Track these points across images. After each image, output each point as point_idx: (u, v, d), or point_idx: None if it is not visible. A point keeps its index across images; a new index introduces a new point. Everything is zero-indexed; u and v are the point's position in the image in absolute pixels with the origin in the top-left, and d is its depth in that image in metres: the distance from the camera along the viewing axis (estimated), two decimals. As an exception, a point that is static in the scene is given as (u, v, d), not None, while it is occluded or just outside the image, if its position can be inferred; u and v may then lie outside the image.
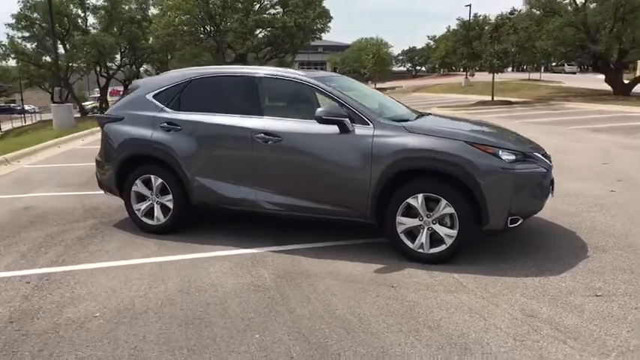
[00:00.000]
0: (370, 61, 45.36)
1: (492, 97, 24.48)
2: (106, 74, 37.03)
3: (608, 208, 5.45)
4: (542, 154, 4.26)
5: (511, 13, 25.03)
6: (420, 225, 4.02)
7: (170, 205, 4.81)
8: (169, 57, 35.96)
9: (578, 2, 23.48)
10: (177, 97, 4.85)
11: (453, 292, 3.49)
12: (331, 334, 2.93)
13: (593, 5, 23.06)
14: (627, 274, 3.72)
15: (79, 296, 3.50)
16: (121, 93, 43.74)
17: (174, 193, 4.77)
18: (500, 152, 3.88)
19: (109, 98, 38.69)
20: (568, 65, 53.82)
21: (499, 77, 25.65)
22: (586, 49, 23.21)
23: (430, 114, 4.96)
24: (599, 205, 5.61)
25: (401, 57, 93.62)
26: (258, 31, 25.16)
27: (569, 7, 23.97)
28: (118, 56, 37.24)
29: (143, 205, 4.95)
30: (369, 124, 4.13)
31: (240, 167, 4.53)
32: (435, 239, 4.01)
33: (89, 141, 14.07)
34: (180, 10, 26.61)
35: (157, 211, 4.89)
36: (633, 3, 20.96)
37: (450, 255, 3.98)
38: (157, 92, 4.95)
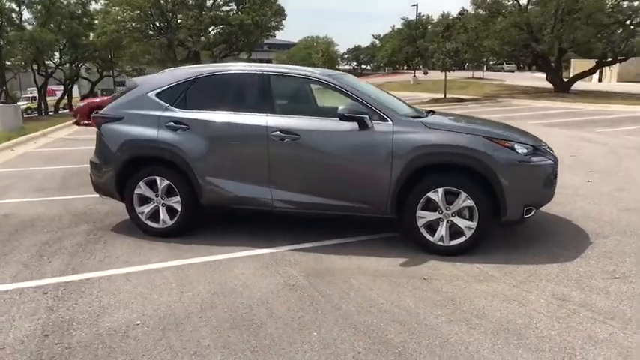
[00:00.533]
0: (320, 60, 45.64)
1: (445, 95, 25.37)
2: (44, 73, 34.95)
3: (591, 197, 5.84)
4: (546, 147, 4.50)
5: (460, 13, 26.06)
6: (440, 218, 4.14)
7: (177, 207, 4.67)
8: (112, 55, 34.46)
9: (521, 4, 24.76)
10: (183, 95, 4.71)
11: (484, 282, 3.63)
12: (387, 327, 2.98)
13: (534, 7, 24.37)
14: (633, 257, 4.02)
15: (109, 305, 3.34)
16: (56, 93, 40.77)
17: (182, 194, 4.63)
18: (515, 146, 4.07)
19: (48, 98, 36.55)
20: (507, 64, 56.60)
21: (444, 75, 26.59)
22: (529, 48, 24.51)
23: (433, 111, 5.09)
24: (581, 195, 6.00)
25: (347, 55, 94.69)
26: (211, 29, 24.64)
27: (514, 9, 25.21)
28: (58, 54, 35.24)
29: (147, 208, 4.77)
30: (387, 121, 4.20)
31: (255, 166, 4.47)
32: (453, 232, 4.14)
33: (43, 143, 13.30)
34: (129, 6, 25.52)
35: (163, 214, 4.73)
36: (571, 5, 22.38)
37: (468, 246, 4.13)
38: (160, 90, 4.78)
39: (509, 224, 4.23)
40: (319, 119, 4.42)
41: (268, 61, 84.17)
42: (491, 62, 59.51)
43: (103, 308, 3.29)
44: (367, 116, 4.16)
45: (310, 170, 4.37)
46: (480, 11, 26.30)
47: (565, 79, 26.09)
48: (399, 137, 4.13)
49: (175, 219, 4.71)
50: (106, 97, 20.24)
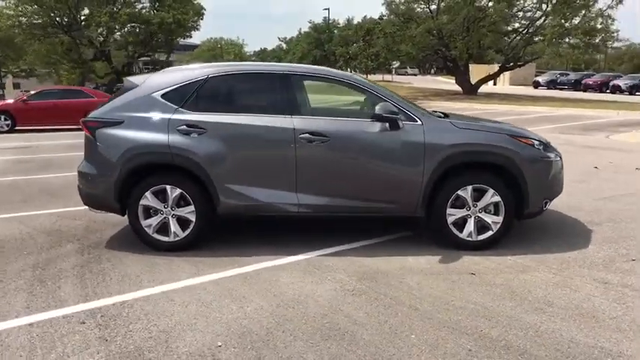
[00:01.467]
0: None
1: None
2: None
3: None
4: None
5: (380, 18, 27.11)
6: (468, 215, 4.29)
7: (191, 217, 4.33)
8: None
9: (432, 10, 26.37)
10: (194, 96, 4.38)
11: (526, 272, 3.82)
12: (477, 323, 3.02)
13: (445, 15, 26.10)
14: (634, 240, 4.47)
15: (171, 328, 3.01)
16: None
17: (197, 203, 4.31)
18: (535, 143, 4.34)
19: None
20: (410, 68, 59.92)
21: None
22: (440, 52, 26.17)
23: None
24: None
25: (253, 58, 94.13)
26: (128, 27, 22.96)
27: (425, 16, 26.77)
28: None
29: (155, 221, 4.36)
30: (417, 121, 4.26)
31: (281, 170, 4.29)
32: (480, 227, 4.31)
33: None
34: (28, 0, 22.91)
35: (174, 226, 4.35)
36: (476, 14, 24.29)
37: (494, 241, 4.32)
38: (167, 91, 4.40)
39: (530, 217, 4.49)
40: (347, 120, 4.37)
41: (169, 63, 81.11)
42: (395, 66, 62.59)
43: (166, 333, 2.96)
44: (399, 116, 4.19)
45: (339, 172, 4.29)
46: (392, 17, 27.57)
47: (473, 83, 28.24)
48: (430, 137, 4.20)
49: (189, 230, 4.36)
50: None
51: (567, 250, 4.26)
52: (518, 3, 24.88)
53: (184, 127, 4.27)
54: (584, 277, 3.70)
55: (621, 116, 17.87)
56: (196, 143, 4.25)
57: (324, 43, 67.34)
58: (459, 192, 4.24)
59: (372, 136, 4.23)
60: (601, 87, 38.28)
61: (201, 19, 23.97)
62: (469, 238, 4.30)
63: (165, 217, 4.36)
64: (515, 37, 26.00)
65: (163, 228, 4.38)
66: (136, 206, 4.34)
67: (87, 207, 4.65)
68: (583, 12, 24.06)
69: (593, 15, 23.70)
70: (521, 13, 25.21)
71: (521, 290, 3.49)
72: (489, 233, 4.30)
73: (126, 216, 4.45)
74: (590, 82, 39.30)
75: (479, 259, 4.12)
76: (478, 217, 4.29)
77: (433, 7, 25.91)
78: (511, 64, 26.87)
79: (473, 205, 4.27)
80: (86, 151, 4.55)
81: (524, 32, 25.32)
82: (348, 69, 45.35)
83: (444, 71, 38.22)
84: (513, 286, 3.56)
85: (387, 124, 4.20)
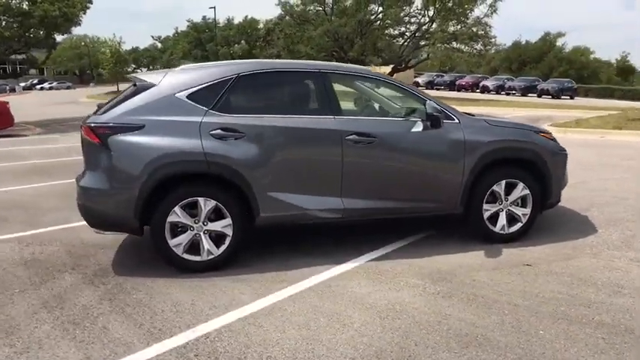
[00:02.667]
0: (109, 61, 41.34)
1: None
2: None
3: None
4: None
5: (280, 18, 26.98)
6: (500, 209, 4.46)
7: (227, 231, 3.88)
8: None
9: (327, 13, 27.02)
10: (225, 97, 3.92)
11: (572, 259, 4.07)
12: (583, 312, 3.13)
13: (339, 19, 26.91)
14: (633, 222, 5.00)
15: (290, 356, 2.66)
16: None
17: (235, 215, 3.87)
18: (555, 137, 4.66)
19: None
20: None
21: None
22: (336, 54, 26.95)
23: None
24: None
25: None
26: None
27: (318, 18, 27.34)
28: None
29: (185, 239, 3.83)
30: (454, 119, 4.30)
31: (327, 175, 4.04)
32: (510, 219, 4.50)
33: None
34: None
35: (207, 243, 3.87)
36: (369, 18, 25.46)
37: (523, 232, 4.54)
38: (192, 91, 3.88)
39: (550, 207, 4.79)
40: (391, 120, 4.27)
41: (33, 61, 72.48)
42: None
43: (295, 364, 2.60)
44: (441, 115, 4.19)
45: (386, 174, 4.17)
46: (288, 18, 27.72)
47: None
48: (468, 134, 4.27)
49: (224, 247, 3.90)
50: None
51: (584, 237, 4.62)
52: (405, 8, 26.60)
53: (219, 131, 3.81)
54: (626, 259, 4.02)
55: (518, 112, 20.20)
56: (235, 149, 3.82)
57: (204, 42, 65.34)
58: (494, 187, 4.38)
59: (417, 136, 4.18)
60: (472, 87, 42.70)
61: (85, 13, 21.48)
62: (502, 231, 4.47)
63: (196, 234, 3.85)
64: (405, 41, 27.78)
65: (194, 246, 3.87)
66: (162, 224, 3.77)
67: (93, 228, 3.93)
68: (463, 19, 26.53)
69: (472, 22, 26.28)
70: (411, 19, 27.01)
71: (584, 276, 3.72)
72: (519, 225, 4.51)
73: (122, 235, 3.86)
74: (463, 83, 43.65)
75: (514, 250, 4.28)
76: (509, 210, 4.47)
77: (328, 9, 26.61)
78: (402, 65, 28.68)
79: (505, 199, 4.44)
80: (91, 162, 3.84)
81: (413, 36, 27.17)
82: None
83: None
84: (574, 273, 3.77)
85: (429, 123, 4.18)
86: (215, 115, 3.85)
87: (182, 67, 4.29)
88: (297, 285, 3.61)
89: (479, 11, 26.48)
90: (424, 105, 4.12)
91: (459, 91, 42.28)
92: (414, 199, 4.27)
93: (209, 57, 64.44)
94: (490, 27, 27.23)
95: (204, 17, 64.76)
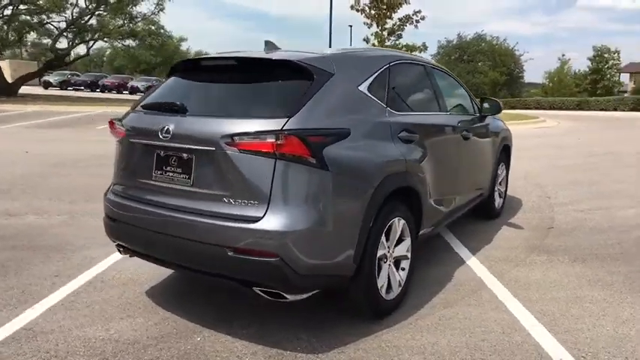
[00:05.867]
0: None
1: None
2: None
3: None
4: None
5: None
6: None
7: (408, 254, 3.20)
8: None
9: None
10: (389, 90, 3.14)
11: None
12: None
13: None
14: (537, 211, 6.69)
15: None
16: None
17: (413, 234, 3.23)
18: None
19: None
20: None
21: None
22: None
23: None
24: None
25: None
26: None
27: None
28: None
29: (385, 275, 2.96)
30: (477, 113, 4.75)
31: (452, 173, 3.85)
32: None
33: None
34: None
35: (395, 274, 3.09)
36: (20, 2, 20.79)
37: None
38: (369, 83, 2.95)
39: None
40: (470, 116, 4.37)
41: None
42: None
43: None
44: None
45: (472, 168, 4.32)
46: None
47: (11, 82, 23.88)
48: (493, 127, 4.86)
49: (405, 274, 3.20)
50: None
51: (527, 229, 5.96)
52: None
53: (405, 133, 3.10)
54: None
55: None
56: (416, 154, 3.19)
57: None
58: (499, 171, 5.15)
59: (485, 130, 4.52)
60: (119, 87, 40.51)
61: None
62: (499, 208, 5.33)
63: (388, 265, 3.02)
64: (65, 33, 23.79)
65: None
66: (372, 260, 2.80)
67: (291, 295, 2.47)
68: (125, 15, 24.94)
69: (140, 18, 25.07)
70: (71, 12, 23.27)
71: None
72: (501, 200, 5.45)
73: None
74: (108, 83, 40.91)
75: (517, 231, 5.23)
76: (499, 189, 5.33)
77: None
78: (61, 60, 24.26)
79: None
80: (291, 191, 2.40)
81: (74, 29, 23.56)
82: None
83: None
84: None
85: (480, 118, 4.54)
86: (392, 113, 3.07)
87: (341, 48, 3.14)
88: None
89: (145, 8, 25.64)
90: (471, 101, 4.47)
91: (103, 91, 39.55)
92: (473, 191, 4.50)
93: None
94: (157, 23, 26.78)
95: None
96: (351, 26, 49.01)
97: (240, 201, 2.40)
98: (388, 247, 2.96)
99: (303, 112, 2.45)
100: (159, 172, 2.69)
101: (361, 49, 3.53)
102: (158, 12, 25.03)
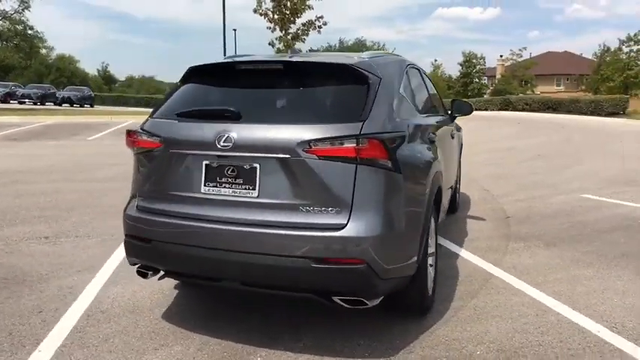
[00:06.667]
0: None
1: None
2: None
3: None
4: None
5: None
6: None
7: (435, 250, 3.32)
8: None
9: None
10: (412, 93, 3.28)
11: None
12: None
13: None
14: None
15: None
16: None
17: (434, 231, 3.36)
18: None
19: None
20: None
21: None
22: None
23: None
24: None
25: None
26: None
27: None
28: None
29: (431, 273, 3.07)
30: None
31: (449, 170, 4.08)
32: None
33: None
34: None
35: (431, 270, 3.18)
36: None
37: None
38: (403, 86, 3.03)
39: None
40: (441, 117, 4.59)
41: None
42: None
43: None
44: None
45: (453, 164, 4.57)
46: None
47: None
48: (455, 125, 5.18)
49: (434, 271, 3.30)
50: None
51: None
52: None
53: (432, 134, 3.23)
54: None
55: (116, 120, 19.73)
56: (439, 153, 3.35)
57: None
58: (458, 167, 5.53)
59: (456, 129, 4.81)
60: (6, 98, 34.95)
61: None
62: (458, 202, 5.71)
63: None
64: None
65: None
66: (425, 260, 2.86)
67: (369, 302, 2.41)
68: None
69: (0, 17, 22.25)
70: None
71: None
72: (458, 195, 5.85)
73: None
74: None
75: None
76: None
77: None
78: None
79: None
80: (372, 195, 2.35)
81: None
82: None
83: None
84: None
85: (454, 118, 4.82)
86: (420, 115, 3.19)
87: (370, 52, 3.08)
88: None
89: (8, 5, 22.90)
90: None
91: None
92: (452, 184, 4.80)
93: None
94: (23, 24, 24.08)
95: None
96: (235, 30, 49.32)
97: (319, 209, 2.31)
98: (431, 245, 3.05)
99: (373, 116, 2.43)
100: (211, 184, 2.47)
101: (381, 54, 3.55)
102: (23, 10, 22.36)
